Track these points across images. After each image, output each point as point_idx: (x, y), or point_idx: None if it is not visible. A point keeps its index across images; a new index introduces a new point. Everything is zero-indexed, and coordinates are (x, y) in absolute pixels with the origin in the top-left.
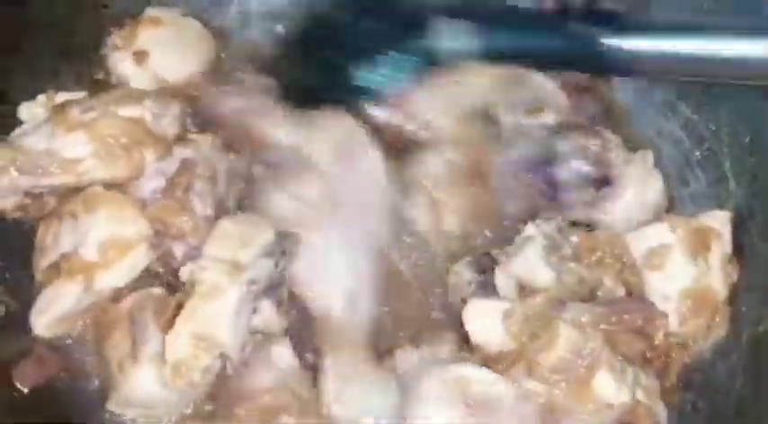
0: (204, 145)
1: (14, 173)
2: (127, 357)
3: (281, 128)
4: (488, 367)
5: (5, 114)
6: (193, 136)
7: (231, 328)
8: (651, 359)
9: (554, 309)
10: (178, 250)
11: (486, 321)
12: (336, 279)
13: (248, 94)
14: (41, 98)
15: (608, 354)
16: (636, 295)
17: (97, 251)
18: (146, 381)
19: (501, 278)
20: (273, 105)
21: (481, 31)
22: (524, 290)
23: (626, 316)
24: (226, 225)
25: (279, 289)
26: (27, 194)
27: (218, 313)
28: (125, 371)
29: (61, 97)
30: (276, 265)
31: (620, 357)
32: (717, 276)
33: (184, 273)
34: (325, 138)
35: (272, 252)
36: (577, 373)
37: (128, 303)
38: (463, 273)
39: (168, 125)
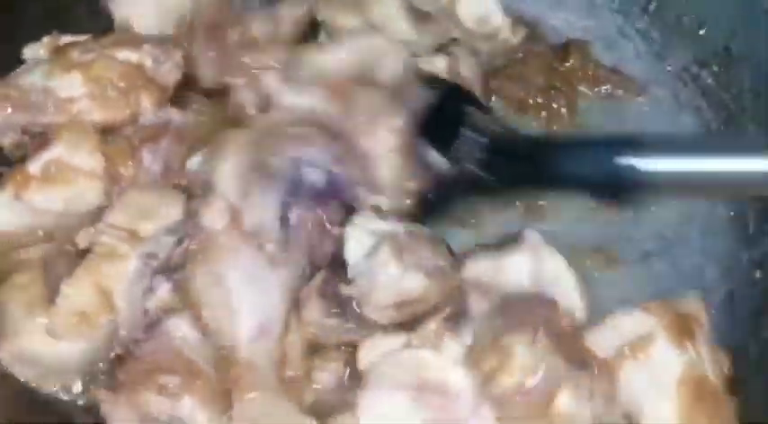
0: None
1: (8, 110)
2: (37, 302)
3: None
4: None
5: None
6: (195, 105)
7: (125, 295)
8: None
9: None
10: (114, 191)
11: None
12: (244, 315)
13: None
14: (46, 39)
15: (564, 368)
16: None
17: (41, 167)
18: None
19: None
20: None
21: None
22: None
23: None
24: (133, 194)
25: (178, 273)
26: (25, 132)
27: (116, 274)
28: (34, 317)
29: (66, 39)
30: (178, 244)
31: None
32: (709, 365)
33: (81, 238)
34: (227, 169)
35: (176, 231)
36: (538, 395)
37: (38, 251)
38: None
39: (168, 72)
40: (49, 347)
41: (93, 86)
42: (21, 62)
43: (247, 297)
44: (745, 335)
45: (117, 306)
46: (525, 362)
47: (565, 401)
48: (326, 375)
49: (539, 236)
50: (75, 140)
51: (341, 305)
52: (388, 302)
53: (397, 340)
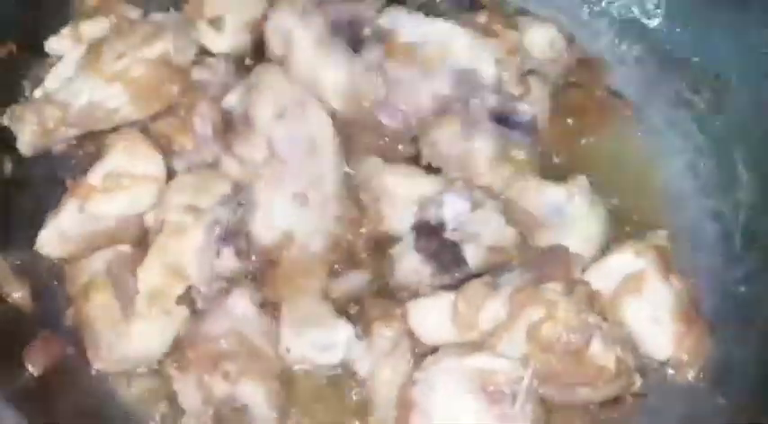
0: (219, 67)
1: (65, 129)
2: (119, 320)
3: (233, 95)
4: None
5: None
6: (210, 59)
7: (198, 262)
8: None
9: (492, 286)
10: (179, 164)
11: (431, 318)
12: (283, 225)
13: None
14: (66, 31)
15: (596, 320)
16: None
17: (102, 178)
18: (143, 337)
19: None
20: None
21: None
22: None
23: (550, 266)
24: (184, 178)
25: (237, 237)
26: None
27: (186, 249)
28: (120, 332)
29: (84, 28)
30: (234, 213)
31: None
32: (685, 293)
33: (149, 219)
34: (266, 100)
35: (229, 202)
36: (576, 344)
37: (98, 263)
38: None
39: (186, 52)
40: (136, 346)
41: (133, 91)
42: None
43: (289, 217)
44: (730, 349)
45: (189, 274)
46: (569, 314)
47: (596, 349)
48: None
49: (586, 183)
50: (129, 148)
51: (435, 256)
52: (490, 243)
53: (444, 300)
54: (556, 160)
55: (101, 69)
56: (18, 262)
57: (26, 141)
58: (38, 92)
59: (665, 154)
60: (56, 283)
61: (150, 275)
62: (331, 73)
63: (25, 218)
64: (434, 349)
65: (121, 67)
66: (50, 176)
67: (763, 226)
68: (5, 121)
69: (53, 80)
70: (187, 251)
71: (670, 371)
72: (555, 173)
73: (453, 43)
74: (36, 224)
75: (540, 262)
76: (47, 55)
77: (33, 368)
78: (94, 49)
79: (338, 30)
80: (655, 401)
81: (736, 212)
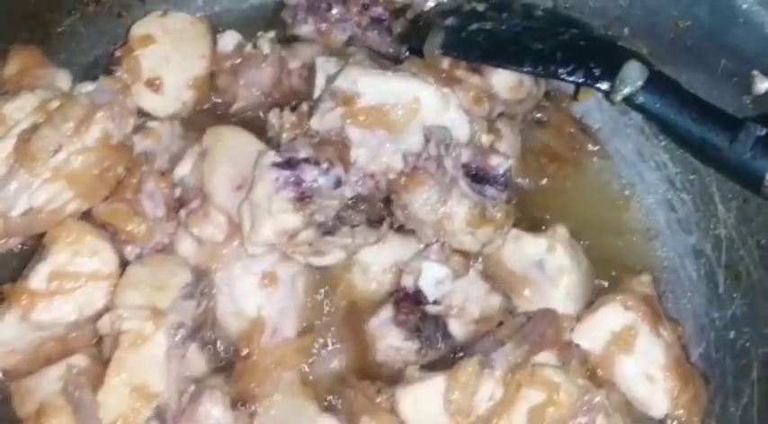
0: (164, 132)
1: (5, 241)
2: None
3: (184, 165)
4: None
5: None
6: (153, 124)
7: (164, 375)
8: None
9: (485, 366)
10: (130, 253)
11: (423, 407)
12: (252, 311)
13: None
14: None
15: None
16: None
17: (44, 280)
18: None
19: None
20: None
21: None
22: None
23: (542, 335)
24: (137, 270)
25: (203, 331)
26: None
27: (149, 362)
28: None
29: (7, 111)
30: (198, 305)
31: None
32: (676, 343)
33: (103, 325)
34: (219, 170)
35: (192, 293)
36: None
37: (50, 381)
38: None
39: (125, 125)
40: None
41: (76, 185)
42: None
43: (257, 302)
44: (728, 402)
45: (156, 392)
46: (572, 397)
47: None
48: None
49: (566, 232)
50: (74, 243)
51: (418, 330)
52: (476, 315)
53: (436, 384)
54: (527, 208)
55: (37, 169)
56: None
57: None
58: None
59: (638, 190)
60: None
61: (112, 400)
62: None
63: None
64: None
65: (60, 162)
66: None
67: (745, 264)
68: None
69: None
70: (150, 366)
71: None
72: (528, 223)
73: (420, 100)
74: None
75: (530, 331)
76: None
77: None
78: (25, 146)
79: None
80: None
81: (718, 249)
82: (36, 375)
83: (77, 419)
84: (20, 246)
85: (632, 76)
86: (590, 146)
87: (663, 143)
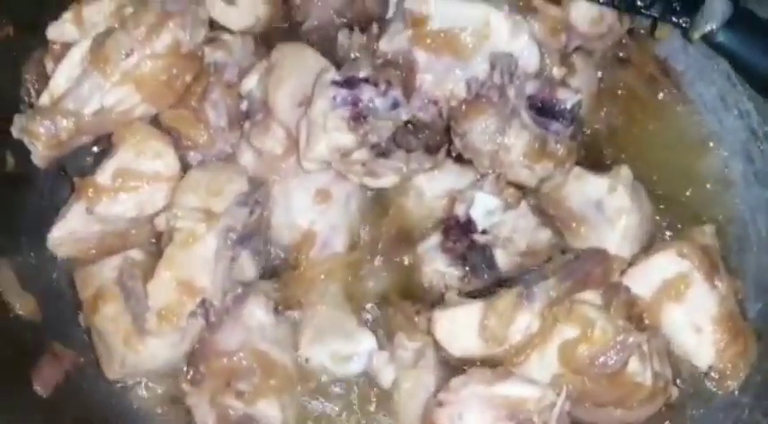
0: (235, 46)
1: (79, 138)
2: (131, 334)
3: (251, 79)
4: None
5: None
6: (226, 37)
7: (211, 274)
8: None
9: (524, 298)
10: (193, 159)
11: (458, 330)
12: (304, 223)
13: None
14: (67, 16)
15: (636, 339)
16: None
17: (110, 177)
18: (156, 351)
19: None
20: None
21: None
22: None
23: (588, 273)
24: (196, 174)
25: (255, 239)
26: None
27: (198, 260)
28: (132, 346)
29: (86, 13)
30: (251, 214)
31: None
32: (732, 297)
33: (160, 222)
34: (284, 86)
35: (246, 202)
36: (612, 368)
37: (108, 270)
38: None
39: (196, 34)
40: (149, 360)
41: (145, 90)
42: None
43: (310, 216)
44: None
45: (202, 288)
46: (606, 335)
47: (633, 366)
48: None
49: (629, 174)
50: (140, 144)
51: (463, 258)
52: (522, 247)
53: (473, 310)
54: (598, 147)
55: (109, 71)
56: (24, 270)
57: (41, 156)
58: (44, 98)
59: (717, 137)
60: (64, 290)
61: (161, 291)
62: None
63: (31, 217)
64: (461, 360)
65: (130, 67)
66: (56, 171)
67: None
68: (15, 134)
69: (59, 81)
70: (199, 264)
71: (710, 382)
72: (595, 162)
73: (490, 26)
74: (43, 223)
75: (576, 268)
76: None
77: (42, 391)
78: (99, 48)
79: None
80: (691, 413)
81: None
82: (97, 264)
83: (128, 306)
84: (97, 148)
85: (716, 12)
86: (671, 89)
87: (749, 91)
